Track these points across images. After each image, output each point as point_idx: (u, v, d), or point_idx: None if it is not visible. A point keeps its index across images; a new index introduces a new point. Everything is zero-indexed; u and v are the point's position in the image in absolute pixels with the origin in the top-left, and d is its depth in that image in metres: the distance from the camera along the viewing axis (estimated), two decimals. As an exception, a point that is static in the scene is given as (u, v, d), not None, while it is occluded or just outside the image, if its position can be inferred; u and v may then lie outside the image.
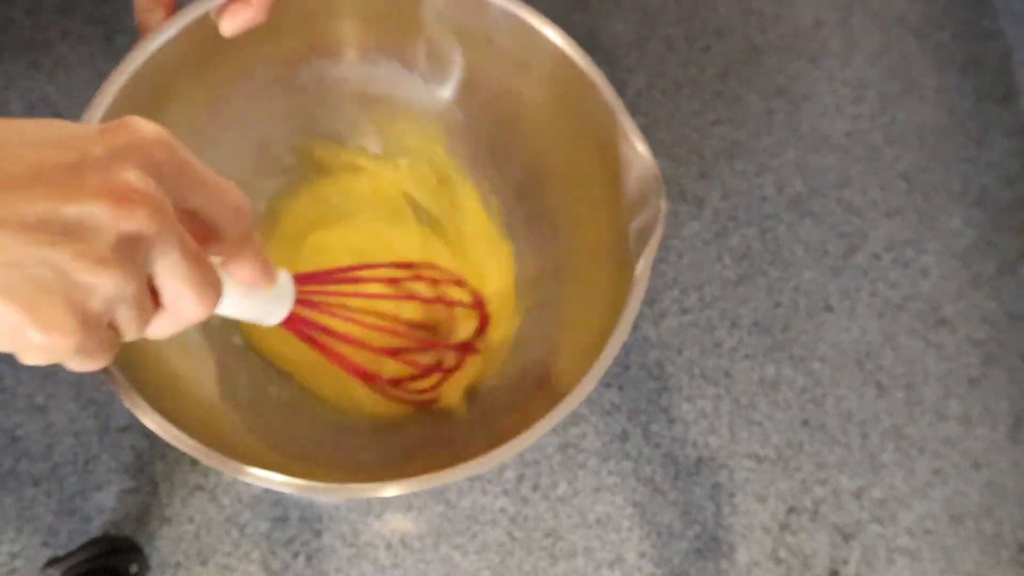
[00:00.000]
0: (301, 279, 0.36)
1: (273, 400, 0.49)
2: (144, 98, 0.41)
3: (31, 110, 0.72)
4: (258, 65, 0.48)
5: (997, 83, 0.84)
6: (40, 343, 0.23)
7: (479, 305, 0.51)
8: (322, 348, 0.42)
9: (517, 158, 0.53)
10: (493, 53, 0.48)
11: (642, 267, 0.40)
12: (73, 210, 0.22)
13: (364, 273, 0.48)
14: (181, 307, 0.26)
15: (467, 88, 0.52)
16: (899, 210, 0.79)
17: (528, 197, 0.53)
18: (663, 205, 0.40)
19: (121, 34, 0.75)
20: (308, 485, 0.36)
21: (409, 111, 0.53)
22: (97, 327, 0.24)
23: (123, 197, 0.23)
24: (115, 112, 0.40)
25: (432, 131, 0.54)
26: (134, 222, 0.23)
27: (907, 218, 0.79)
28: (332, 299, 0.44)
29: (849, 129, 0.81)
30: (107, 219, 0.23)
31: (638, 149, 0.42)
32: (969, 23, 0.86)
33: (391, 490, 0.36)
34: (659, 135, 0.78)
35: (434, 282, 0.51)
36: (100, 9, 0.75)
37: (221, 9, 0.39)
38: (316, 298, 0.41)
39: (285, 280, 0.33)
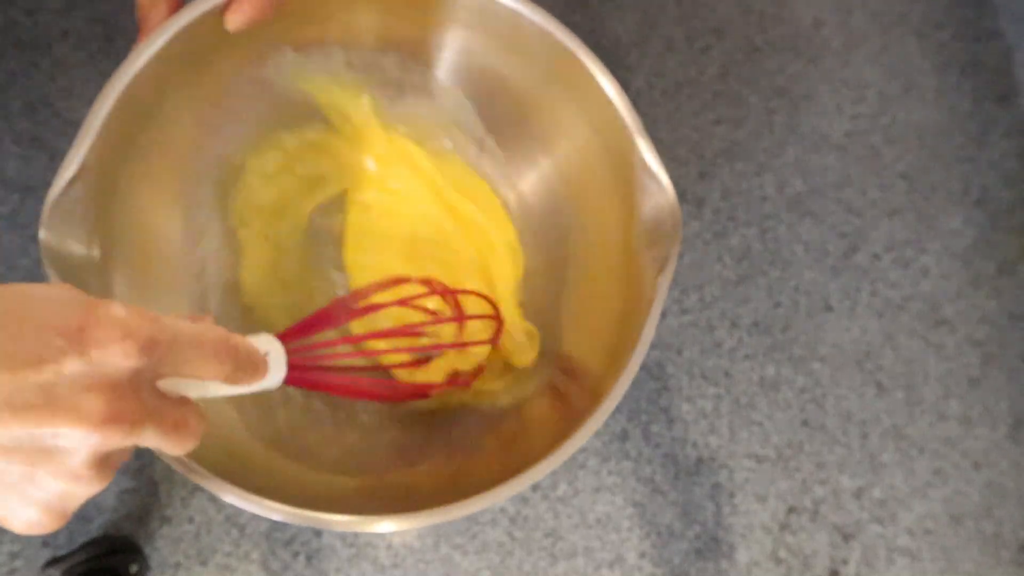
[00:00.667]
0: (289, 334, 0.36)
1: (278, 399, 0.49)
2: (148, 94, 0.41)
3: (31, 110, 0.72)
4: (266, 58, 0.48)
5: (997, 83, 0.84)
6: (21, 533, 0.25)
7: (495, 318, 0.51)
8: (328, 388, 0.41)
9: (531, 166, 0.53)
10: (514, 59, 0.48)
11: (660, 288, 0.39)
12: (47, 432, 0.23)
13: (345, 312, 0.47)
14: (163, 450, 0.28)
15: (482, 92, 0.51)
16: (899, 210, 0.79)
17: (538, 205, 0.53)
18: (678, 242, 0.40)
19: (121, 34, 0.75)
20: (297, 514, 0.36)
21: (423, 111, 0.53)
22: (72, 512, 0.26)
23: (97, 422, 0.23)
24: (120, 110, 0.39)
25: (444, 132, 0.54)
26: (108, 443, 0.24)
27: (907, 218, 0.79)
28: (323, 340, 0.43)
29: (849, 129, 0.81)
30: (81, 442, 0.23)
31: (659, 179, 0.41)
32: (969, 23, 0.86)
33: (388, 525, 0.36)
34: (659, 135, 0.78)
35: (432, 296, 0.51)
36: (100, 9, 0.75)
37: (226, 4, 0.39)
38: (308, 344, 0.40)
39: (276, 352, 0.34)
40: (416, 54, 0.51)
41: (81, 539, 0.63)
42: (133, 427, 0.24)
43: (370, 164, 0.54)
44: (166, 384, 0.27)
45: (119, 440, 0.24)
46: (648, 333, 0.39)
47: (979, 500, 0.71)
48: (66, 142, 0.38)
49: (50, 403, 0.22)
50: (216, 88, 0.47)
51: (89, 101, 0.39)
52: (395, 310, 0.50)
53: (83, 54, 0.74)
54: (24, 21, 0.75)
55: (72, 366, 0.23)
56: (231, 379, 0.29)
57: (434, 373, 0.51)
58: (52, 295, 0.25)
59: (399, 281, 0.50)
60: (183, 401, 0.28)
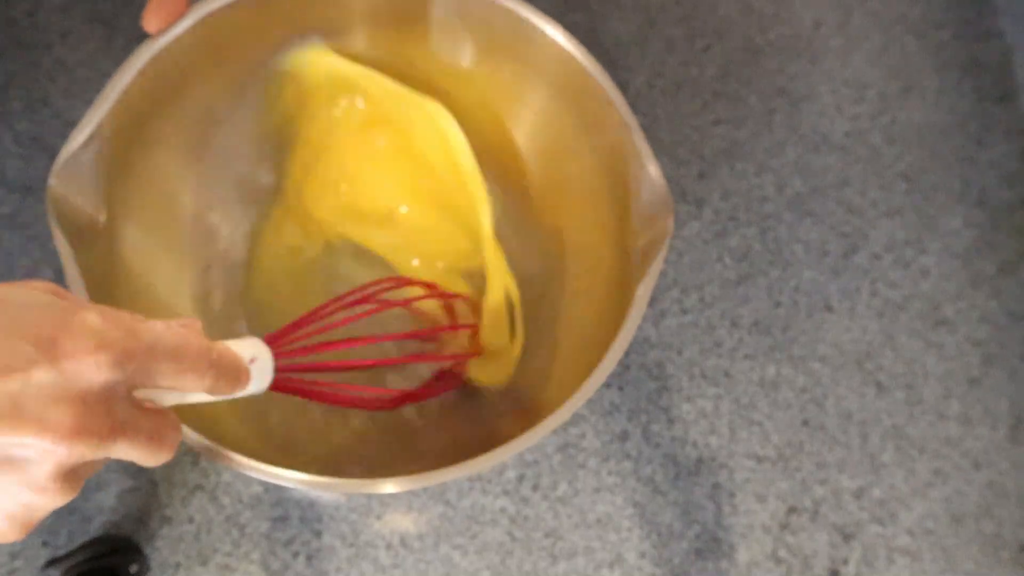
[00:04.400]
0: (278, 337, 0.35)
1: (273, 402, 0.49)
2: (168, 71, 0.41)
3: (31, 110, 0.72)
4: (264, 64, 0.48)
5: (997, 83, 0.84)
6: None
7: (472, 326, 0.50)
8: (313, 396, 0.40)
9: (524, 165, 0.53)
10: (503, 56, 0.48)
11: (643, 288, 0.40)
12: (12, 442, 0.22)
13: (332, 311, 0.46)
14: (135, 462, 0.27)
15: (474, 89, 0.51)
16: (899, 210, 0.79)
17: (534, 205, 0.53)
18: (670, 228, 0.40)
19: (121, 34, 0.75)
20: (310, 480, 0.36)
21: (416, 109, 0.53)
22: (36, 524, 0.25)
23: (63, 435, 0.22)
24: (139, 83, 0.39)
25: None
26: (74, 457, 0.23)
27: (907, 218, 0.79)
28: (312, 339, 0.42)
29: (849, 129, 0.81)
30: (47, 454, 0.23)
31: (650, 171, 0.41)
32: (969, 23, 0.86)
33: (390, 487, 0.37)
34: (659, 135, 0.78)
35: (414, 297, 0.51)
36: (100, 9, 0.75)
37: (144, 11, 0.40)
38: (296, 346, 0.39)
39: (263, 358, 0.32)
40: (413, 60, 0.51)
41: (81, 539, 0.63)
42: (102, 441, 0.24)
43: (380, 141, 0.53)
44: (142, 392, 0.26)
45: (86, 453, 0.23)
46: (630, 329, 0.39)
47: (979, 500, 0.71)
48: (64, 143, 0.38)
49: (15, 413, 0.22)
50: (234, 69, 0.47)
51: (89, 101, 0.39)
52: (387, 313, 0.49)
53: (83, 54, 0.74)
54: (24, 21, 0.75)
55: (40, 376, 0.22)
56: (211, 391, 0.28)
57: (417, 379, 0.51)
58: (29, 299, 0.24)
59: (399, 282, 0.49)
60: (159, 411, 0.27)
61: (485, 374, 0.51)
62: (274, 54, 0.48)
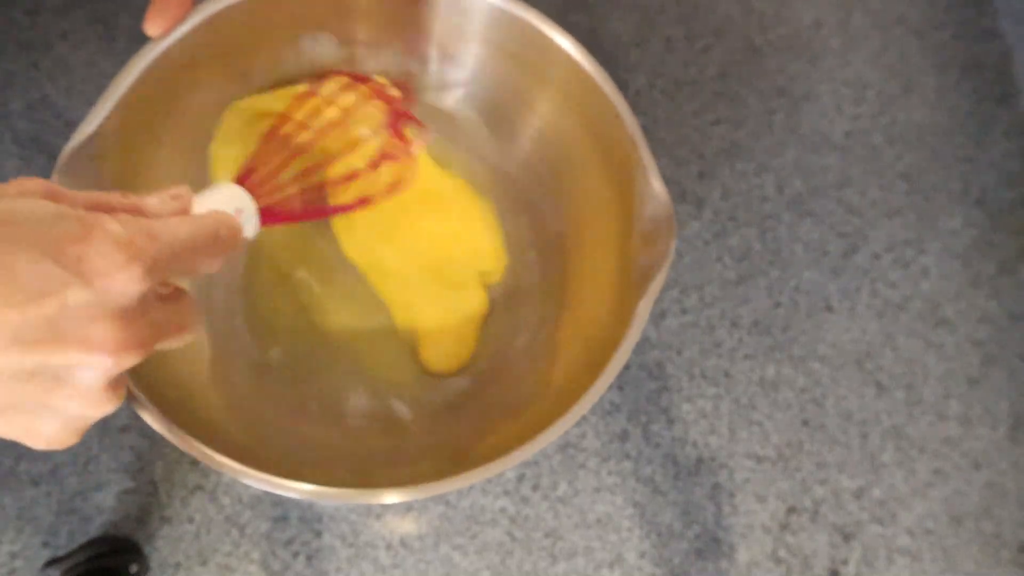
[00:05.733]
0: (244, 177, 0.35)
1: (269, 396, 0.49)
2: (174, 70, 0.41)
3: (31, 110, 0.72)
4: (264, 63, 0.48)
5: (997, 83, 0.84)
6: (42, 449, 0.26)
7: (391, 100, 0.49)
8: (300, 216, 0.40)
9: (528, 171, 0.52)
10: (510, 62, 0.48)
11: (643, 307, 0.40)
12: (59, 360, 0.22)
13: (291, 128, 0.46)
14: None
15: (478, 91, 0.51)
16: (899, 210, 0.79)
17: (536, 212, 0.53)
18: (672, 248, 0.40)
19: (121, 34, 0.75)
20: (315, 491, 0.36)
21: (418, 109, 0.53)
22: (87, 429, 0.26)
23: (109, 350, 0.23)
24: (145, 81, 0.39)
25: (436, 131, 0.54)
26: (122, 367, 0.24)
27: (907, 218, 0.79)
28: (276, 169, 0.42)
29: (849, 129, 0.81)
30: (95, 369, 0.23)
31: (655, 188, 0.41)
32: (969, 23, 0.86)
33: (393, 497, 0.37)
34: (659, 135, 0.78)
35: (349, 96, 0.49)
36: (100, 9, 0.75)
37: (146, 15, 0.40)
38: (267, 179, 0.40)
39: (248, 207, 0.33)
40: (415, 58, 0.51)
41: (81, 539, 0.63)
42: (144, 348, 0.24)
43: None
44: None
45: (133, 362, 0.24)
46: (628, 345, 0.40)
47: (979, 500, 0.71)
48: (66, 142, 0.38)
49: (58, 336, 0.22)
50: (239, 69, 0.47)
51: (89, 101, 0.39)
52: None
53: (83, 54, 0.74)
54: (24, 21, 0.75)
55: (76, 297, 0.22)
56: (221, 261, 0.29)
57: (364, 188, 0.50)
58: (37, 211, 0.23)
59: (322, 77, 0.48)
60: (177, 296, 0.27)
61: (436, 358, 0.51)
62: (278, 53, 0.48)
